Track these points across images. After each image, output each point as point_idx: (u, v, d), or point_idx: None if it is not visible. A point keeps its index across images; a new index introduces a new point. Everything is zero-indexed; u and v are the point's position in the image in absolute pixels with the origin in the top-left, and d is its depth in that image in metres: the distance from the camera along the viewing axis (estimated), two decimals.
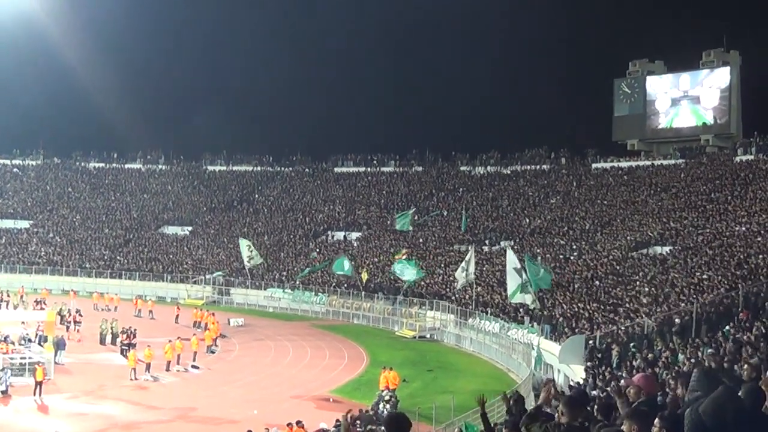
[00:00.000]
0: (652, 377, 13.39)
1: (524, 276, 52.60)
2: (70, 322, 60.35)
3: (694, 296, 42.14)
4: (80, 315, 61.65)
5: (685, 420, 6.74)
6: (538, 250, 69.80)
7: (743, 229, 56.49)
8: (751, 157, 74.93)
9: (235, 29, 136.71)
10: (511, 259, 55.11)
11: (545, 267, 54.68)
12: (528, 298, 53.43)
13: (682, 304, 41.90)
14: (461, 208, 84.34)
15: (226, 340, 59.53)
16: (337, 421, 33.79)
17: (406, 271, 67.61)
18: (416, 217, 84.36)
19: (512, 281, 54.04)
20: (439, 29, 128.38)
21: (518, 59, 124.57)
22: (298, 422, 32.37)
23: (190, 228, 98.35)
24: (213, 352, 55.02)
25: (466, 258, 62.61)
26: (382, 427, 7.68)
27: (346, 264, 71.84)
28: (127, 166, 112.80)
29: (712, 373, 8.16)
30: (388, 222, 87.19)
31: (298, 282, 77.92)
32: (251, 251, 79.30)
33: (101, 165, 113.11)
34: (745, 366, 12.14)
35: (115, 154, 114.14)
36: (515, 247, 73.06)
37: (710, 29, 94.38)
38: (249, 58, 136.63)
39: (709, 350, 26.21)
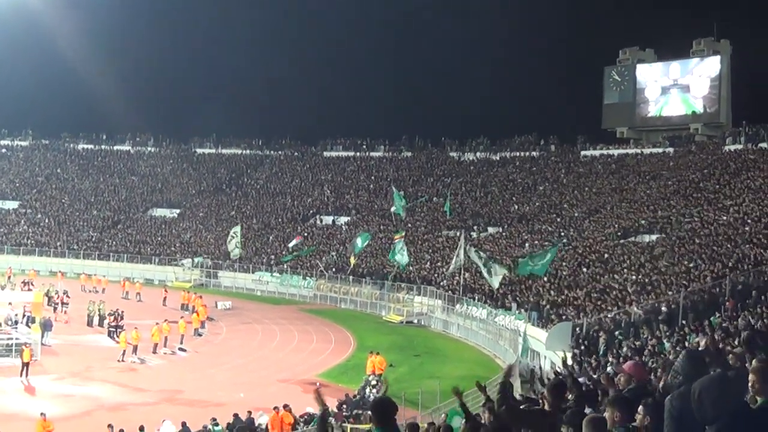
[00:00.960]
0: (642, 365, 13.48)
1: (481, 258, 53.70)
2: (57, 304, 60.30)
3: (682, 285, 42.22)
4: (68, 296, 61.58)
5: (666, 405, 6.79)
6: (526, 237, 69.97)
7: (731, 218, 56.59)
8: (740, 147, 75.06)
9: (228, 13, 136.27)
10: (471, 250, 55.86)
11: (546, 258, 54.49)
12: (494, 281, 54.10)
13: (669, 293, 41.99)
14: (449, 193, 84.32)
15: (213, 323, 59.57)
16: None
17: (400, 255, 67.62)
18: (406, 202, 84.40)
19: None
20: (431, 16, 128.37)
21: (509, 46, 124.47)
22: (285, 406, 32.45)
23: (178, 210, 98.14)
24: (200, 335, 55.04)
25: (459, 244, 62.74)
26: (369, 411, 7.69)
27: (360, 241, 71.67)
28: (116, 147, 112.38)
29: (697, 356, 8.17)
30: (384, 205, 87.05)
31: (286, 266, 77.88)
32: (237, 242, 78.97)
33: (90, 146, 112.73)
34: (730, 355, 12.21)
35: (104, 136, 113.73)
36: (503, 233, 73.37)
37: (701, 18, 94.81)
38: (240, 41, 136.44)
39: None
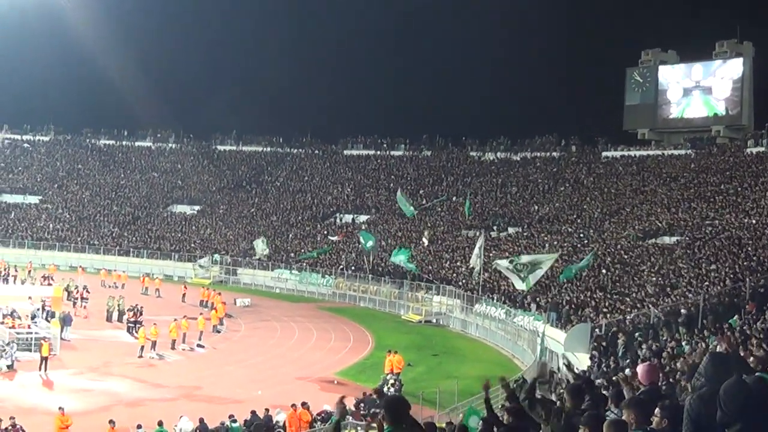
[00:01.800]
0: (655, 366, 13.43)
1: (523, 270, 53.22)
2: (77, 299, 60.47)
3: (701, 287, 42.06)
4: (87, 291, 61.73)
5: (686, 406, 6.75)
6: (546, 237, 69.81)
7: (753, 221, 56.33)
8: (762, 149, 74.71)
9: (249, 11, 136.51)
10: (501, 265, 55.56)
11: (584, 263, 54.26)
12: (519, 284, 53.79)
13: (689, 295, 41.84)
14: (469, 193, 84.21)
15: (232, 320, 59.66)
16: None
17: (399, 257, 67.84)
18: (424, 201, 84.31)
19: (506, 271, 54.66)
20: (452, 14, 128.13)
21: (531, 46, 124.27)
22: (303, 404, 32.49)
23: (198, 207, 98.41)
24: (219, 332, 55.15)
25: (478, 244, 62.58)
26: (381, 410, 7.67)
27: (370, 242, 71.94)
28: (137, 143, 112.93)
29: (722, 359, 8.11)
30: (397, 205, 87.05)
31: (304, 263, 78.01)
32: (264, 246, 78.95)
33: (111, 142, 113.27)
34: (751, 358, 12.13)
35: (126, 132, 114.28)
36: (523, 233, 73.19)
37: (724, 20, 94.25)
38: (261, 39, 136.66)
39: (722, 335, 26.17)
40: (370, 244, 71.71)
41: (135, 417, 32.07)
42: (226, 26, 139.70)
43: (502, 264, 54.86)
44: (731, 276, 43.13)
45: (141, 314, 52.99)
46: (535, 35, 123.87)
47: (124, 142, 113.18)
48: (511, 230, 76.50)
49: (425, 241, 74.86)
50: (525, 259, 53.91)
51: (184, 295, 67.33)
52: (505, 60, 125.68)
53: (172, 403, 36.74)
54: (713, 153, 79.67)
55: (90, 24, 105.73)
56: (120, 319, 55.88)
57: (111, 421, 29.84)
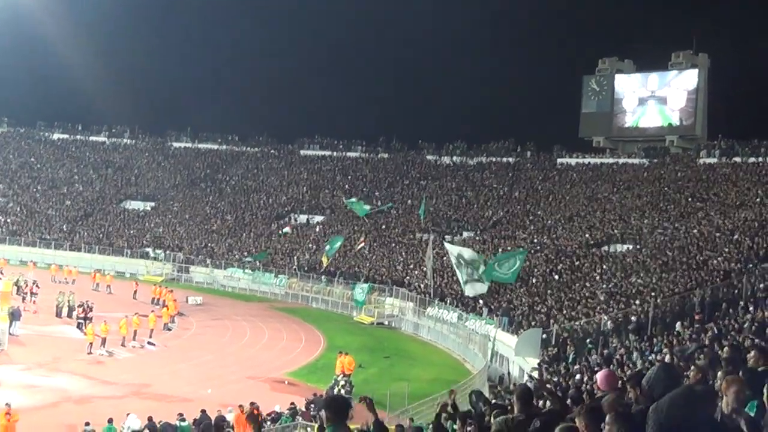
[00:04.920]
0: (614, 373, 13.55)
1: (467, 269, 53.56)
2: (26, 293, 59.83)
3: (652, 295, 42.44)
4: (37, 286, 61.07)
5: (648, 418, 6.81)
6: (499, 242, 70.09)
7: (703, 231, 56.91)
8: (714, 160, 75.59)
9: (208, 9, 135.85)
10: (452, 251, 55.93)
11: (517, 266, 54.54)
12: (479, 288, 54.09)
13: (638, 303, 42.20)
14: (424, 197, 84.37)
15: (183, 318, 59.36)
16: (292, 404, 33.88)
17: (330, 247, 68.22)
18: (378, 203, 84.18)
19: (459, 274, 55.10)
20: (412, 19, 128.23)
21: (489, 52, 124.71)
22: (252, 403, 32.37)
23: (152, 204, 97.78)
24: (170, 330, 54.85)
25: (428, 248, 62.93)
26: (322, 409, 7.73)
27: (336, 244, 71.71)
28: (91, 138, 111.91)
29: (671, 369, 8.22)
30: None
31: (258, 263, 77.74)
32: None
33: (65, 136, 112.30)
34: (692, 368, 12.23)
35: (80, 126, 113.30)
36: (476, 238, 73.45)
37: (680, 31, 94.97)
38: (220, 36, 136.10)
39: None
40: (337, 245, 71.39)
41: (83, 414, 31.80)
42: (183, 23, 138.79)
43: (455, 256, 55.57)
44: (681, 285, 43.56)
45: (91, 310, 52.52)
46: (494, 41, 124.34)
47: (78, 137, 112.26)
48: (465, 234, 76.75)
49: (358, 247, 74.66)
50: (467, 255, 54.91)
51: (135, 292, 66.85)
52: (463, 65, 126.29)
53: (120, 401, 36.45)
54: (666, 162, 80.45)
55: (45, 15, 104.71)
56: (70, 315, 55.35)
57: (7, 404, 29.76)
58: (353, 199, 78.93)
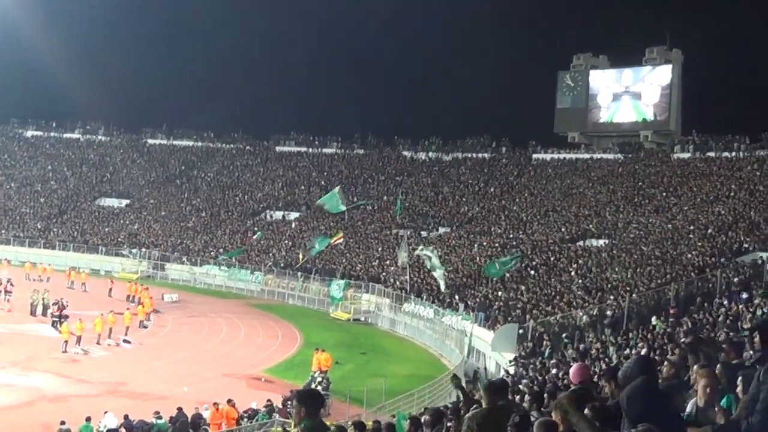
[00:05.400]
0: (586, 366, 13.61)
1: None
2: (0, 292, 59.50)
3: (627, 290, 42.64)
4: (11, 284, 60.75)
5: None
6: (475, 238, 70.22)
7: (677, 225, 57.26)
8: (688, 155, 76.00)
9: (182, 3, 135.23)
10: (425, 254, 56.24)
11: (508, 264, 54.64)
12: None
13: (614, 298, 42.39)
14: (400, 192, 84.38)
15: (159, 315, 59.15)
16: (268, 401, 33.83)
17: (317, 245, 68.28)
18: (354, 199, 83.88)
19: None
20: (388, 16, 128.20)
21: (464, 48, 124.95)
22: (228, 400, 32.32)
23: (127, 201, 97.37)
24: (145, 327, 54.64)
25: (402, 243, 63.09)
26: (296, 402, 7.65)
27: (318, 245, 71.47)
28: (65, 135, 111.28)
29: (647, 362, 8.28)
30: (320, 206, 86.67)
31: (234, 259, 77.52)
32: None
33: (39, 133, 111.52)
34: (665, 363, 12.32)
35: (54, 123, 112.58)
36: (452, 233, 73.58)
37: (654, 27, 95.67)
38: (195, 33, 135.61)
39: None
40: (320, 246, 70.94)
41: (58, 413, 31.64)
42: (159, 20, 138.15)
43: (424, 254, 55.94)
44: (656, 279, 43.79)
45: (65, 308, 52.28)
46: (469, 37, 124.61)
47: (52, 134, 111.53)
48: (441, 230, 76.87)
49: (335, 241, 74.58)
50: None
51: (110, 289, 66.48)
52: (438, 61, 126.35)
53: (96, 399, 36.31)
54: (641, 158, 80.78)
55: (19, 12, 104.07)
56: (44, 313, 55.03)
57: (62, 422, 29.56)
58: (324, 197, 78.29)
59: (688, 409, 8.03)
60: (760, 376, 7.40)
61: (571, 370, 11.61)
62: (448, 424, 12.34)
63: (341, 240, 74.04)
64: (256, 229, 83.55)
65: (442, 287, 55.84)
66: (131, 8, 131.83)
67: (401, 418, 25.38)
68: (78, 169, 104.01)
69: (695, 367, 9.60)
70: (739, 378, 8.24)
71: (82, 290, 67.73)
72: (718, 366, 9.30)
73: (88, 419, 29.61)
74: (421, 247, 61.11)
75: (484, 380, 36.90)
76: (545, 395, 14.35)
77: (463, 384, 14.04)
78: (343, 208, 75.24)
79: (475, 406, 10.53)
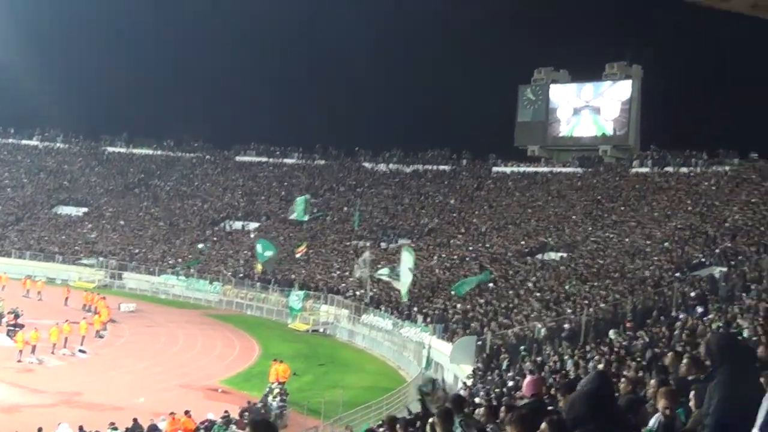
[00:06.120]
0: (539, 379, 13.67)
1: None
2: None
3: (584, 303, 42.84)
4: None
5: None
6: (435, 250, 70.37)
7: (635, 239, 57.68)
8: (646, 170, 76.65)
9: (144, 10, 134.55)
10: (407, 258, 55.93)
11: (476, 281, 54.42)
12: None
13: (570, 311, 42.57)
14: (358, 204, 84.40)
15: (115, 325, 58.69)
16: (226, 412, 33.68)
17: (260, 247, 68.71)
18: (313, 209, 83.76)
19: (405, 280, 55.21)
20: (348, 28, 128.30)
21: (426, 60, 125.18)
22: (186, 412, 32.16)
23: (85, 209, 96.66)
24: (102, 337, 54.19)
25: (362, 256, 63.05)
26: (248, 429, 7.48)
27: (269, 252, 71.48)
28: (23, 142, 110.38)
29: (605, 377, 8.35)
30: (288, 214, 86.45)
31: (192, 269, 77.17)
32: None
33: None
34: (623, 379, 12.42)
35: (12, 129, 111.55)
36: (412, 245, 73.59)
37: (614, 42, 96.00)
38: (155, 40, 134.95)
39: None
40: (268, 254, 70.70)
41: (12, 424, 31.38)
42: (119, 26, 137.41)
43: (384, 273, 55.90)
44: (613, 293, 44.05)
45: (21, 317, 51.74)
46: (431, 50, 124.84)
47: (9, 140, 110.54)
48: (401, 241, 76.88)
49: (299, 252, 74.61)
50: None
51: (67, 298, 65.94)
52: (400, 73, 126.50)
53: (51, 410, 35.99)
54: (600, 172, 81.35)
55: None
56: None
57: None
58: (297, 200, 78.15)
59: (651, 423, 8.10)
60: (710, 391, 7.50)
61: (524, 384, 11.67)
62: None
63: (305, 250, 74.09)
64: (201, 242, 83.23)
65: (405, 296, 55.79)
66: (91, 14, 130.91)
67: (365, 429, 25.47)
68: (35, 177, 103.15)
69: (653, 382, 9.69)
70: (692, 393, 8.33)
71: (38, 299, 67.09)
72: (671, 382, 9.39)
73: (40, 430, 29.28)
74: (384, 270, 60.75)
75: (441, 391, 36.96)
76: (503, 408, 14.38)
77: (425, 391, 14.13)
78: (306, 218, 75.43)
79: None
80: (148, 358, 49.51)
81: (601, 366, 24.28)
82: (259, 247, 71.29)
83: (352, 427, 31.79)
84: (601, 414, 6.88)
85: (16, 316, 51.60)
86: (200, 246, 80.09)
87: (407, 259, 56.57)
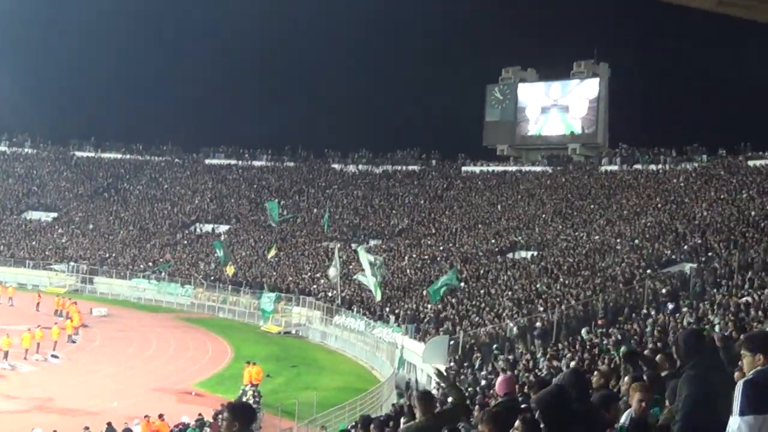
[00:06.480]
0: (512, 378, 13.83)
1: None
2: None
3: (556, 301, 43.13)
4: None
5: None
6: (405, 250, 70.56)
7: (605, 237, 58.06)
8: (615, 168, 77.17)
9: (112, 12, 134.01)
10: (364, 258, 56.32)
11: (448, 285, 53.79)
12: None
13: (542, 309, 42.85)
14: (330, 206, 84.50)
15: (87, 329, 58.45)
16: (200, 415, 33.70)
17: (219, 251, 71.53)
18: (283, 212, 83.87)
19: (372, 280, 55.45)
20: (315, 27, 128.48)
21: (393, 61, 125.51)
22: (159, 415, 32.17)
23: (55, 214, 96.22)
24: (74, 342, 53.98)
25: (335, 257, 63.20)
26: (228, 414, 7.64)
27: (220, 252, 71.75)
28: None
29: (580, 375, 8.55)
30: (261, 217, 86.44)
31: (164, 273, 77.01)
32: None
33: None
34: (595, 372, 12.57)
35: None
36: (383, 246, 73.82)
37: (582, 41, 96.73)
38: (123, 42, 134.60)
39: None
40: (220, 253, 71.49)
41: None
42: (85, 28, 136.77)
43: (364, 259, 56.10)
44: (585, 290, 44.36)
45: None
46: (397, 50, 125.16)
47: None
48: (371, 242, 77.03)
49: (271, 253, 74.83)
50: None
51: (38, 304, 65.66)
52: (368, 74, 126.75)
53: (24, 416, 35.81)
54: (569, 170, 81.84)
55: None
56: None
57: None
58: (274, 207, 78.39)
59: (622, 420, 8.26)
60: (679, 386, 7.70)
61: (497, 383, 11.80)
62: None
63: (275, 252, 74.30)
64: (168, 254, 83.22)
65: (378, 296, 55.98)
66: (57, 18, 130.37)
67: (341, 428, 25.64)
68: (4, 182, 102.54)
69: (627, 379, 9.85)
70: (668, 388, 8.54)
71: (9, 305, 66.76)
72: (645, 377, 9.57)
73: None
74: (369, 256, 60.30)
75: (416, 390, 37.15)
76: (476, 407, 14.56)
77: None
78: (277, 220, 75.76)
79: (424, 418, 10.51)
80: (120, 363, 49.36)
81: (573, 364, 24.53)
82: (219, 253, 71.82)
83: (327, 428, 31.89)
84: (574, 410, 7.06)
85: None
86: (162, 265, 79.87)
87: (365, 259, 56.98)
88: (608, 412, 8.48)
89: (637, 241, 53.78)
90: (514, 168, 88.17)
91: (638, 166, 75.65)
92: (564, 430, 7.03)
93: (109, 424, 31.52)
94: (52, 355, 49.03)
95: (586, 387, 8.30)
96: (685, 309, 32.89)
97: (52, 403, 39.25)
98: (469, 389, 28.89)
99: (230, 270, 71.46)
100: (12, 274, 79.78)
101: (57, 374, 45.53)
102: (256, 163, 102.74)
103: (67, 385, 42.76)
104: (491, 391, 23.51)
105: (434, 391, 23.65)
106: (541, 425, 7.14)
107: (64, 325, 54.70)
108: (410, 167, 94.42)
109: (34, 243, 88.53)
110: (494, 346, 39.06)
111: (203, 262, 79.26)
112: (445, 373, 14.83)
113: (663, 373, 10.50)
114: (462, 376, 34.48)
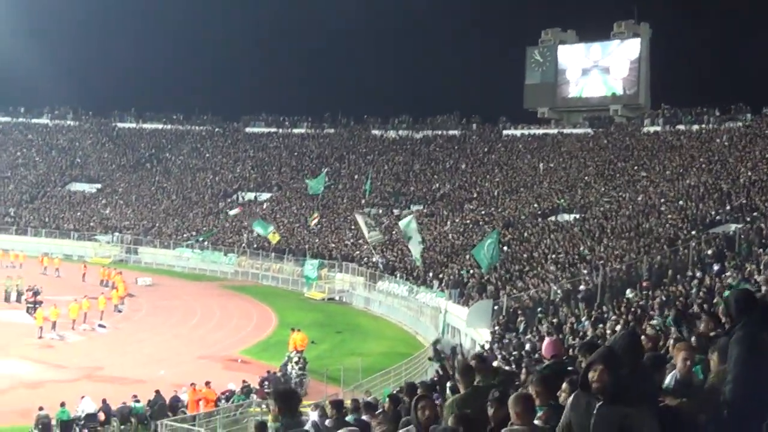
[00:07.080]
0: (558, 340, 13.80)
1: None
2: None
3: (599, 264, 42.87)
4: None
5: None
6: (447, 215, 70.46)
7: (648, 198, 57.59)
8: (657, 129, 76.43)
9: None
10: (413, 226, 55.81)
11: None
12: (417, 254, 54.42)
13: (586, 272, 42.61)
14: (369, 172, 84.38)
15: (133, 299, 58.97)
16: (245, 382, 33.97)
17: (259, 228, 70.85)
18: (327, 180, 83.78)
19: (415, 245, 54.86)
20: None
21: (433, 25, 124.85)
22: (206, 383, 32.46)
23: (98, 185, 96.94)
24: (120, 311, 54.50)
25: (363, 221, 62.57)
26: (273, 399, 7.69)
27: (260, 229, 71.55)
28: (34, 120, 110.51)
29: (635, 337, 8.48)
30: (302, 185, 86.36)
31: (207, 242, 77.45)
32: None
33: (7, 119, 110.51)
34: (643, 336, 12.49)
35: (22, 109, 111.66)
36: (424, 211, 73.72)
37: (621, 1, 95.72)
38: (162, 14, 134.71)
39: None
40: (270, 229, 71.15)
41: (36, 399, 31.65)
42: (125, 2, 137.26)
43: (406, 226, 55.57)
44: (629, 252, 44.06)
45: (40, 294, 52.05)
46: (437, 15, 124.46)
47: (20, 119, 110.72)
48: (413, 208, 76.94)
49: (313, 222, 74.92)
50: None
51: (84, 274, 66.38)
52: (408, 39, 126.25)
53: (73, 384, 36.28)
54: (611, 132, 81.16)
55: None
56: (18, 300, 54.85)
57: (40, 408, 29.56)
58: (313, 181, 78.07)
59: (666, 381, 8.21)
60: (731, 346, 7.61)
61: (544, 345, 11.75)
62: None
63: (317, 219, 74.40)
64: (230, 212, 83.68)
65: (418, 260, 55.62)
66: None
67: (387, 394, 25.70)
68: (47, 155, 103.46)
69: (672, 341, 9.79)
70: (715, 349, 8.44)
71: (56, 276, 67.52)
72: (693, 339, 9.49)
73: (63, 404, 29.61)
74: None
75: (460, 356, 37.15)
76: (524, 370, 14.54)
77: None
78: (322, 189, 75.71)
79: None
80: (166, 331, 49.87)
81: (618, 327, 24.37)
82: (259, 230, 71.60)
83: (372, 393, 32.01)
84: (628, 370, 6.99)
85: (36, 294, 51.90)
86: (232, 212, 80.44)
87: (411, 226, 56.63)
88: (658, 374, 8.43)
89: (681, 202, 53.29)
90: (555, 130, 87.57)
91: (681, 127, 74.86)
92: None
93: (157, 391, 31.88)
94: (99, 325, 49.57)
95: (641, 349, 8.21)
96: (730, 270, 32.52)
97: (101, 371, 39.75)
98: (514, 353, 28.88)
99: (274, 238, 71.55)
100: (58, 245, 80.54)
101: (104, 343, 46.06)
102: (297, 131, 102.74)
103: (114, 353, 43.24)
104: (535, 354, 23.50)
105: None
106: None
107: (110, 295, 55.25)
108: (451, 132, 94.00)
109: (78, 214, 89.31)
110: (538, 309, 38.94)
111: (246, 230, 79.51)
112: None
113: (711, 334, 10.42)
114: (506, 340, 34.43)
